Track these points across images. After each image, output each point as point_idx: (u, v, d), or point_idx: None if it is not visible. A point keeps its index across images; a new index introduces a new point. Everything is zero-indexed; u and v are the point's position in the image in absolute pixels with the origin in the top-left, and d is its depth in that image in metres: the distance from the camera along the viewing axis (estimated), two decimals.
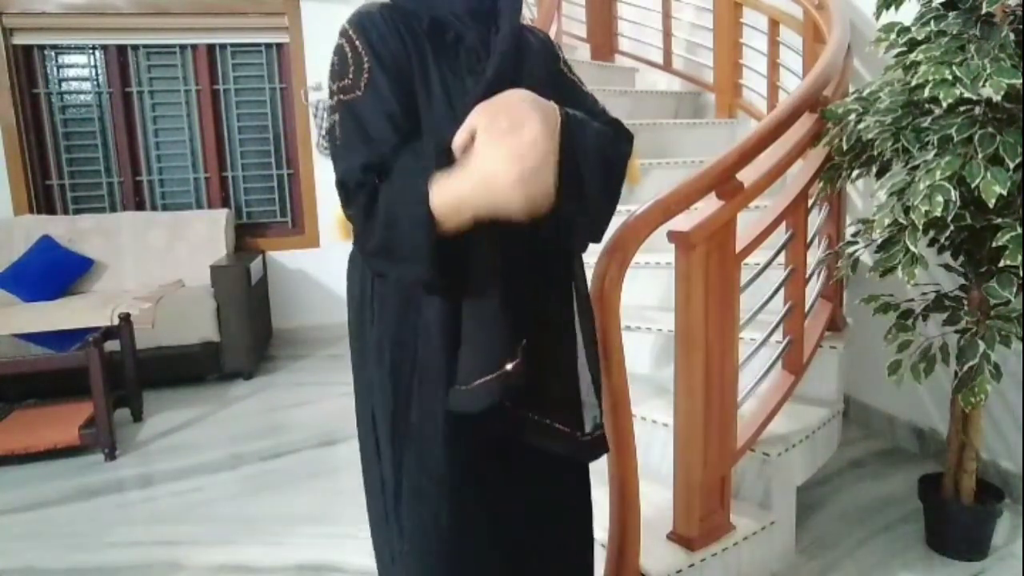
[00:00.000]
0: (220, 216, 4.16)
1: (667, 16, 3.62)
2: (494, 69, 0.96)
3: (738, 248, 1.61)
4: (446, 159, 0.88)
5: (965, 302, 1.75)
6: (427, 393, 1.01)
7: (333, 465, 2.68)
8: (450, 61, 0.98)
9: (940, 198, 1.45)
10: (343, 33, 0.99)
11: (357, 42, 0.96)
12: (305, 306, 4.53)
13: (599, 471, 1.53)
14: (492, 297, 0.95)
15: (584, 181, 0.92)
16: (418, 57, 0.97)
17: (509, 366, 0.95)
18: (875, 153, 1.64)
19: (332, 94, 0.99)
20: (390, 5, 1.01)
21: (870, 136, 1.63)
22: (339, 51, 0.98)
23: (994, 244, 1.50)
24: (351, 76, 0.96)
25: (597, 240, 1.06)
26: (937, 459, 2.33)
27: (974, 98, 1.46)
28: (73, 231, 3.92)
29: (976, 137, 1.47)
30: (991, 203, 1.42)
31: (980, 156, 1.45)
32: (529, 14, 3.56)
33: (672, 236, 1.52)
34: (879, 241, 1.63)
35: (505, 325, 0.96)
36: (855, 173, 1.83)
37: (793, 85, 2.60)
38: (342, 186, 0.96)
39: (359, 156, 0.94)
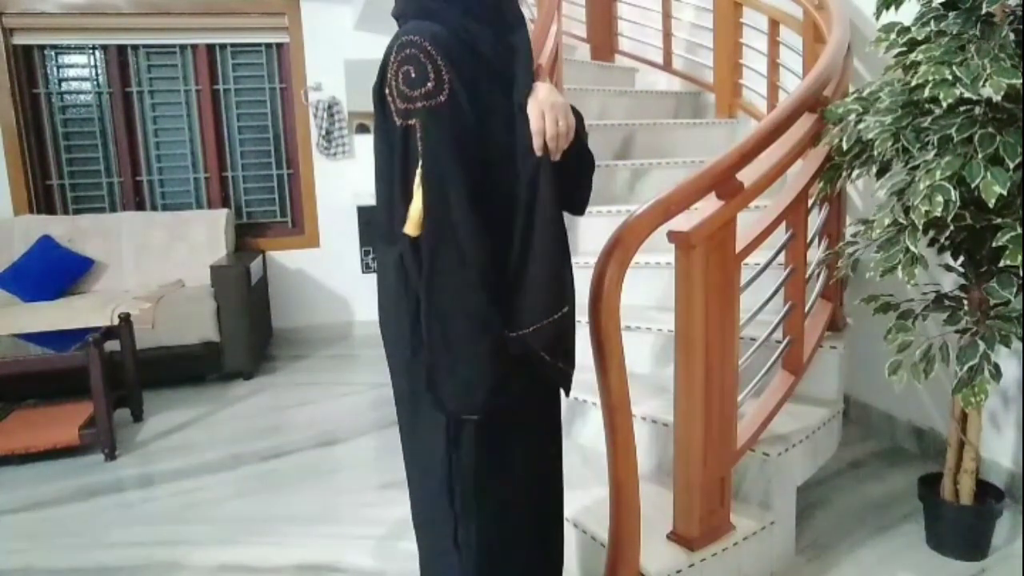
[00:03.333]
0: (220, 216, 4.16)
1: (667, 16, 3.61)
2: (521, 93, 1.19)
3: (738, 248, 1.61)
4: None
5: (965, 302, 1.75)
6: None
7: (333, 465, 2.69)
8: (489, 83, 1.16)
9: (940, 198, 1.45)
10: (415, 44, 1.08)
11: (436, 56, 1.08)
12: (305, 306, 4.53)
13: (599, 470, 1.53)
14: (561, 250, 1.20)
15: (588, 151, 1.30)
16: (475, 76, 1.13)
17: (565, 309, 1.21)
18: (875, 153, 1.64)
19: (408, 100, 1.09)
20: (452, 31, 1.12)
21: (870, 136, 1.63)
22: (413, 60, 1.08)
23: (994, 244, 1.50)
24: (431, 85, 1.07)
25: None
26: (937, 459, 2.33)
27: (974, 98, 1.46)
28: (73, 231, 3.92)
29: (976, 137, 1.47)
30: (991, 203, 1.42)
31: (980, 156, 1.45)
32: (529, 14, 3.56)
33: (672, 236, 1.52)
34: (879, 241, 1.63)
35: (568, 274, 1.22)
36: (855, 173, 1.83)
37: (793, 85, 2.60)
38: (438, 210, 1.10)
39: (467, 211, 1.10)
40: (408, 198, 1.11)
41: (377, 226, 1.25)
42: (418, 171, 1.09)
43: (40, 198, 4.17)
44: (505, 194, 1.17)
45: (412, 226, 1.10)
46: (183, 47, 4.28)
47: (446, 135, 1.09)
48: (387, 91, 1.12)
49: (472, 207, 1.09)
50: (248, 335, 3.63)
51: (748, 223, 1.71)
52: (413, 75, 1.08)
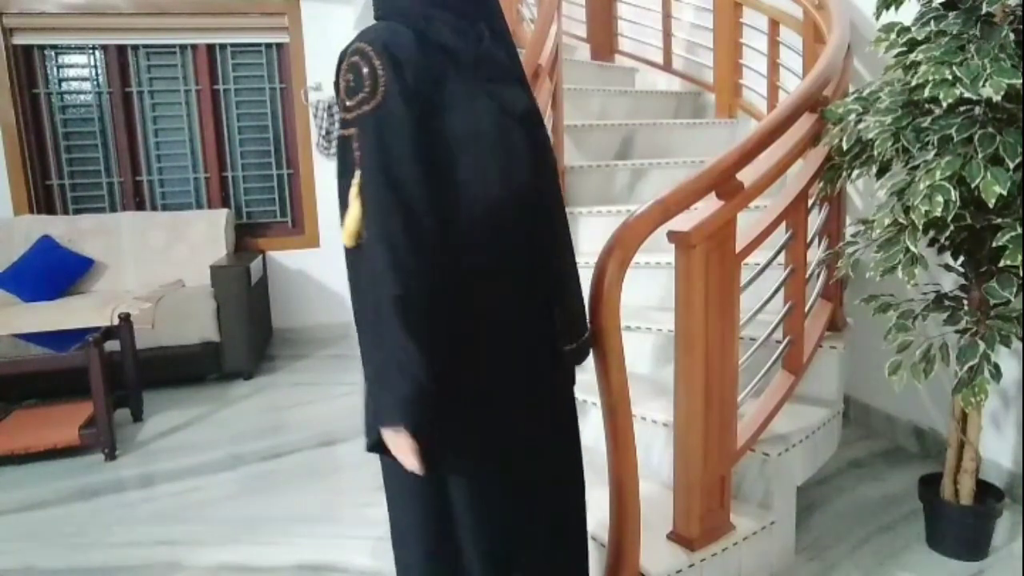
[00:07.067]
0: (220, 216, 4.16)
1: (667, 16, 3.61)
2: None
3: (738, 248, 1.61)
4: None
5: (965, 302, 1.75)
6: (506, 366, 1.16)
7: (333, 465, 2.69)
8: (465, 76, 1.10)
9: (940, 198, 1.45)
10: (358, 52, 1.06)
11: (376, 60, 1.04)
12: (305, 306, 4.53)
13: (599, 470, 1.53)
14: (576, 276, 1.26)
15: None
16: (439, 75, 1.07)
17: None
18: (875, 153, 1.64)
19: (346, 109, 1.06)
20: (415, 27, 1.08)
21: (870, 136, 1.63)
22: (353, 68, 1.06)
23: (994, 244, 1.50)
24: (366, 92, 1.04)
25: None
26: (937, 459, 2.33)
27: (974, 98, 1.46)
28: (73, 231, 3.92)
29: (976, 137, 1.47)
30: (991, 203, 1.42)
31: (980, 156, 1.45)
32: (529, 13, 3.56)
33: (672, 236, 1.52)
34: (879, 241, 1.63)
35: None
36: (855, 173, 1.83)
37: (793, 85, 2.60)
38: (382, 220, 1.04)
39: (395, 217, 1.03)
40: (346, 208, 1.07)
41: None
42: (355, 181, 1.05)
43: (40, 198, 4.16)
44: (500, 187, 1.13)
45: (346, 236, 1.06)
46: (183, 47, 4.28)
47: (373, 143, 1.03)
48: (338, 103, 1.10)
49: (404, 219, 1.02)
50: (248, 335, 3.63)
51: (748, 223, 1.71)
52: (352, 83, 1.05)
